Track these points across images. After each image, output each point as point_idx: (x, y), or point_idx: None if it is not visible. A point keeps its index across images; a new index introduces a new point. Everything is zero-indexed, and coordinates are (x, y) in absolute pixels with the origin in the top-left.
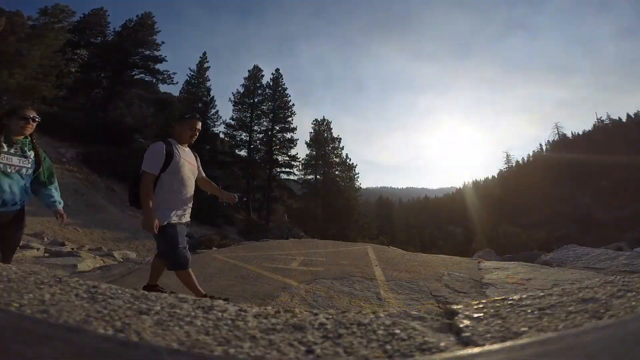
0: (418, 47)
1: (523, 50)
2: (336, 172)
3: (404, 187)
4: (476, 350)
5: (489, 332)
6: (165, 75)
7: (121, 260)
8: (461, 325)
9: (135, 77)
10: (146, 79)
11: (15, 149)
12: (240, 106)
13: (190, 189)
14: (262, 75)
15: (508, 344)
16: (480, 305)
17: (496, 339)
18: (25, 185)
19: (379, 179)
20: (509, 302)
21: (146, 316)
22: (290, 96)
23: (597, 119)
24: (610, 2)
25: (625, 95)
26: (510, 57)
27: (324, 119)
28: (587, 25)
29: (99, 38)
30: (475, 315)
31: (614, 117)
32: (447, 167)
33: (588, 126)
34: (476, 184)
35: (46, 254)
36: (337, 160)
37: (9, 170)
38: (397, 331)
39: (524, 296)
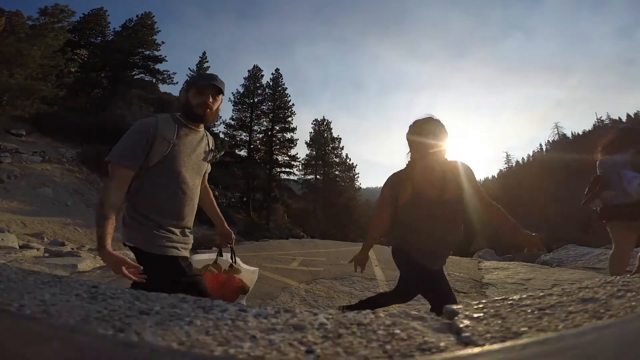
0: (416, 46)
1: (520, 50)
2: (336, 172)
3: None
4: (476, 350)
5: (489, 332)
6: (165, 75)
7: None
8: (461, 325)
9: (135, 77)
10: (146, 79)
11: None
12: (240, 106)
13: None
14: (262, 75)
15: (508, 344)
16: (480, 305)
17: (496, 339)
18: None
19: (379, 179)
20: (509, 302)
21: (146, 316)
22: (290, 96)
23: (597, 119)
24: (606, 1)
25: (625, 95)
26: (507, 56)
27: (323, 119)
28: (583, 25)
29: (99, 38)
30: (475, 315)
31: (614, 117)
32: None
33: (588, 126)
34: None
35: (46, 254)
36: (337, 160)
37: None
38: (397, 331)
39: (524, 296)
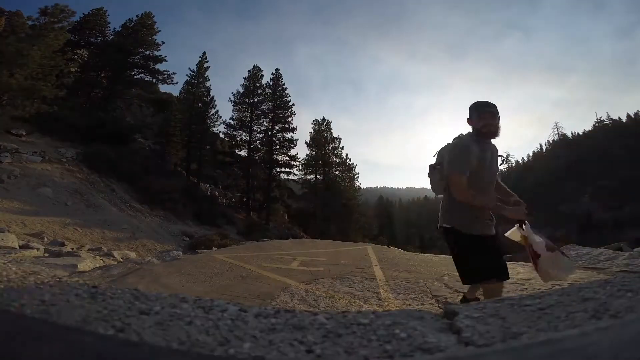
0: (415, 48)
1: (519, 50)
2: (336, 172)
3: (404, 187)
4: (476, 350)
5: (488, 332)
6: (165, 75)
7: (121, 260)
8: (461, 325)
9: (135, 77)
10: (146, 79)
11: None
12: (240, 106)
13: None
14: (262, 75)
15: (508, 344)
16: (480, 305)
17: (496, 339)
18: None
19: (379, 179)
20: (509, 302)
21: (146, 316)
22: (290, 96)
23: (597, 119)
24: (605, 2)
25: (625, 95)
26: (506, 57)
27: (323, 119)
28: (583, 25)
29: (99, 38)
30: (475, 315)
31: (614, 117)
32: None
33: (588, 126)
34: None
35: (46, 254)
36: (337, 160)
37: None
38: (397, 331)
39: (524, 296)
